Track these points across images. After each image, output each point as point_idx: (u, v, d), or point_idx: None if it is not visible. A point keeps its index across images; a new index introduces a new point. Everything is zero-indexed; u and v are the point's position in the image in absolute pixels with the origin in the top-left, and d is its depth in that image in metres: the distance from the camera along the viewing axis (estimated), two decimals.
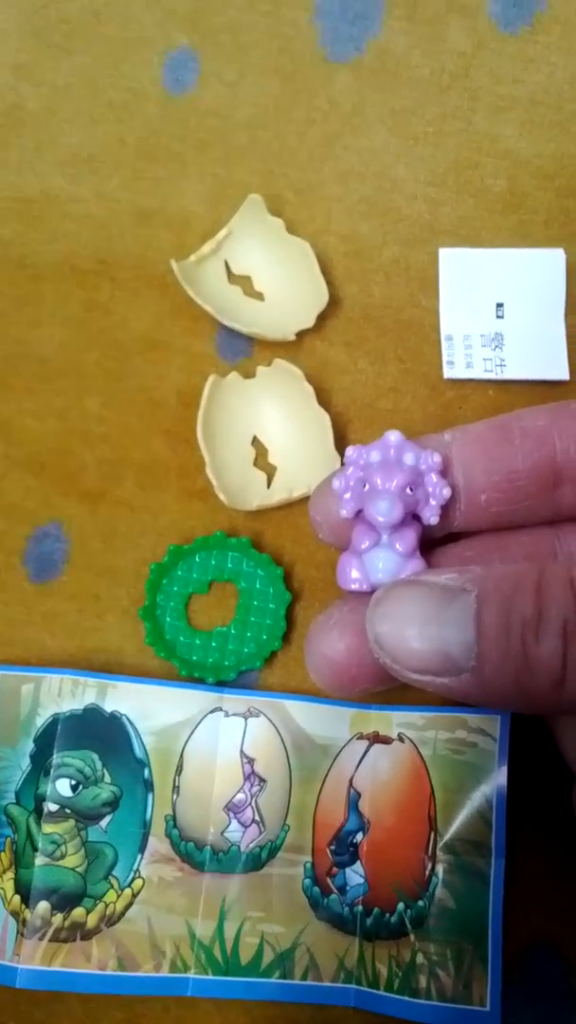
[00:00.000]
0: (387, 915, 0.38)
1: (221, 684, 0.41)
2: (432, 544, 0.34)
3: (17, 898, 0.38)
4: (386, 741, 0.40)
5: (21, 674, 0.40)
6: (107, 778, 0.39)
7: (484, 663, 0.27)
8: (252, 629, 0.42)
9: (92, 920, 0.38)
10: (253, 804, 0.39)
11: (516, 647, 0.27)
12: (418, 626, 0.28)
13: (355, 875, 0.39)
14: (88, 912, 0.38)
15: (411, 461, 0.32)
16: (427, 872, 0.38)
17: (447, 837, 0.38)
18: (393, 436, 0.32)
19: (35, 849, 0.38)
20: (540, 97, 0.45)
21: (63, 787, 0.39)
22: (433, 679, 0.28)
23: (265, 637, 0.41)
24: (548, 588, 0.27)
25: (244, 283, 0.45)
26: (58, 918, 0.38)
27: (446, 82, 0.45)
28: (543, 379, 0.43)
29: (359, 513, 0.32)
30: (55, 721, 0.39)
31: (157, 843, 0.39)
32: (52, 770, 0.39)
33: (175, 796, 0.39)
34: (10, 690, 0.40)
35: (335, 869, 0.39)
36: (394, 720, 0.40)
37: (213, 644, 0.42)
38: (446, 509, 0.33)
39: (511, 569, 0.28)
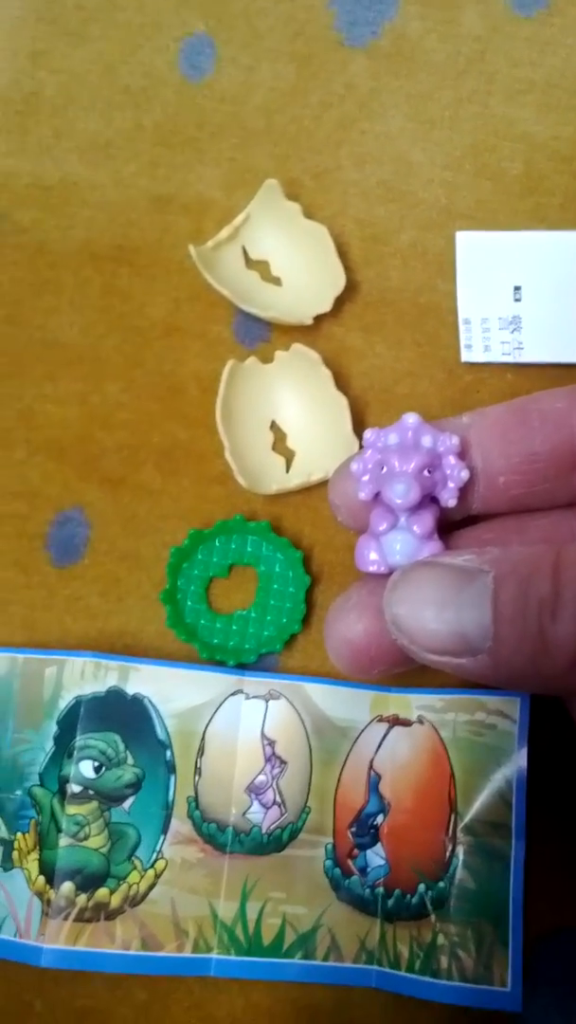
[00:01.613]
0: (408, 896, 0.38)
1: (241, 667, 0.41)
2: (451, 527, 0.34)
3: (42, 879, 0.38)
4: (406, 723, 0.40)
5: (44, 657, 0.41)
6: (130, 760, 0.39)
7: (501, 644, 0.27)
8: (272, 612, 0.42)
9: (115, 900, 0.38)
10: (274, 786, 0.40)
11: (533, 628, 0.27)
12: (435, 608, 0.28)
13: (376, 857, 0.39)
14: (112, 893, 0.38)
15: (429, 443, 0.32)
16: (447, 854, 0.38)
17: (467, 819, 0.38)
18: (411, 418, 0.33)
19: (59, 830, 0.38)
20: (557, 80, 0.45)
21: (86, 769, 0.39)
22: (450, 660, 0.28)
23: (285, 620, 0.42)
24: (565, 569, 0.27)
25: (261, 268, 0.45)
26: (82, 898, 0.38)
27: (462, 66, 0.45)
28: (561, 362, 0.43)
29: (377, 496, 0.32)
30: (78, 703, 0.40)
31: (179, 824, 0.39)
32: (75, 752, 0.39)
33: (197, 778, 0.39)
34: (33, 673, 0.40)
35: (356, 851, 0.39)
36: (413, 703, 0.40)
37: (233, 627, 0.42)
38: (464, 492, 0.33)
39: (528, 550, 0.28)
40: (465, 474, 0.32)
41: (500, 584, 0.28)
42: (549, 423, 0.33)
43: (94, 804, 0.39)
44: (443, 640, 0.28)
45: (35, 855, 0.39)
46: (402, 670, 0.34)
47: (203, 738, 0.40)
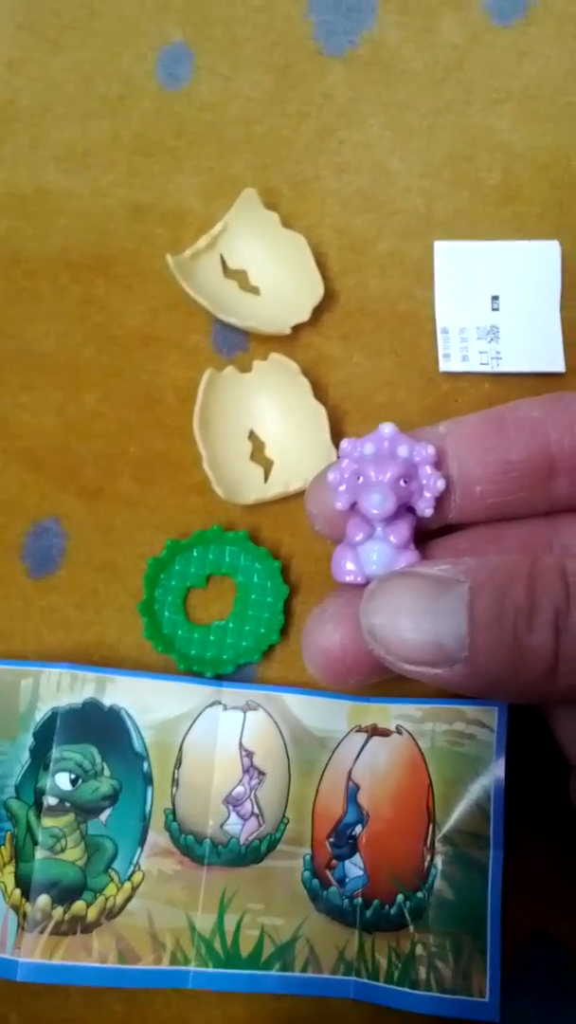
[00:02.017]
0: (386, 907, 0.38)
1: (219, 678, 0.41)
2: (428, 536, 0.34)
3: (17, 892, 0.38)
4: (384, 733, 0.40)
5: (20, 668, 0.40)
6: (106, 772, 0.39)
7: (477, 653, 0.27)
8: (250, 623, 0.42)
9: (92, 913, 0.38)
10: (252, 797, 0.39)
11: (508, 637, 0.27)
12: (411, 617, 0.28)
13: (354, 867, 0.39)
14: (88, 905, 0.38)
15: (405, 453, 0.32)
16: (426, 864, 0.38)
17: (446, 829, 0.38)
18: (387, 428, 0.33)
19: (35, 843, 0.38)
20: (534, 90, 0.45)
21: (62, 781, 0.39)
22: (427, 670, 0.28)
23: (263, 631, 0.42)
24: (540, 578, 0.27)
25: (240, 277, 0.45)
26: (58, 911, 0.38)
27: (440, 75, 0.45)
28: (539, 371, 0.43)
29: (354, 506, 0.32)
30: (54, 715, 0.39)
31: (157, 836, 0.39)
32: (51, 764, 0.39)
33: (174, 789, 0.39)
34: (9, 685, 0.40)
35: (334, 861, 0.39)
36: (392, 712, 0.40)
37: (211, 638, 0.42)
38: (441, 501, 0.33)
39: (504, 560, 0.28)
40: (441, 484, 0.32)
41: (476, 593, 0.28)
42: (525, 432, 0.33)
43: (70, 816, 0.38)
44: (420, 650, 0.28)
45: (11, 868, 0.38)
46: (379, 680, 0.34)
47: (181, 749, 0.40)
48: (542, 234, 0.44)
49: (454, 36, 0.45)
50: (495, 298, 0.43)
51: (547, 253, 0.43)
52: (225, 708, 0.40)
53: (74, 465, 0.43)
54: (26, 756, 0.39)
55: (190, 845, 0.39)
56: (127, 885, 0.38)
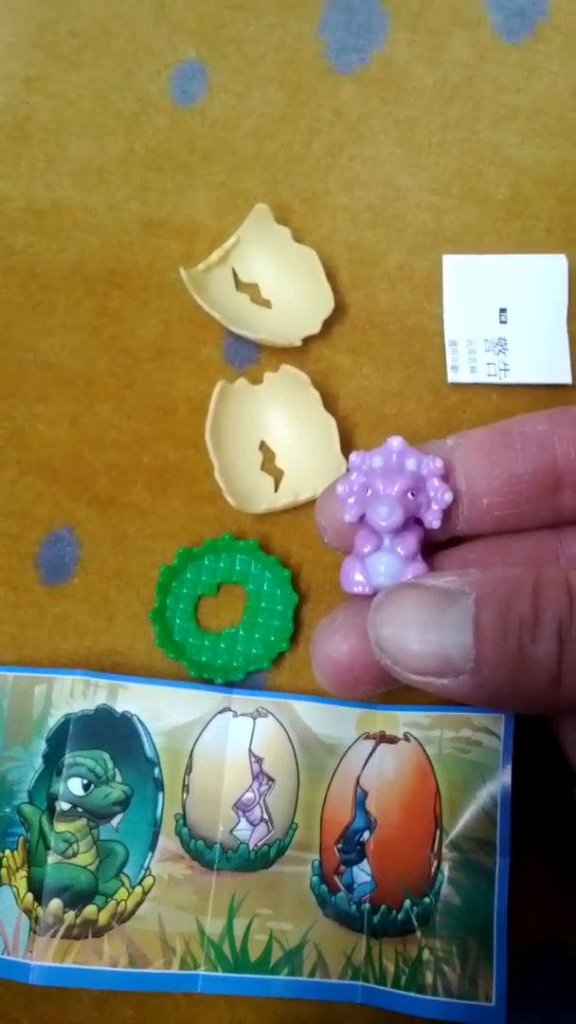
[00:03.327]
0: (394, 912, 0.38)
1: (230, 685, 0.42)
2: (436, 547, 0.35)
3: (30, 896, 0.38)
4: (392, 741, 0.40)
5: (34, 675, 0.41)
6: (118, 777, 0.40)
7: (482, 664, 0.28)
8: (260, 630, 0.42)
9: (103, 917, 0.38)
10: (261, 803, 0.40)
11: (513, 648, 0.27)
12: (417, 629, 0.29)
13: (362, 873, 0.39)
14: (100, 910, 0.38)
15: (413, 466, 0.33)
16: (433, 870, 0.38)
17: (453, 835, 0.38)
18: (395, 442, 0.33)
19: (48, 847, 0.39)
20: (542, 106, 0.45)
21: (75, 786, 0.39)
22: (433, 680, 0.29)
23: (273, 638, 0.42)
24: (545, 590, 0.28)
25: (251, 291, 0.46)
26: (70, 915, 0.38)
27: (449, 92, 0.46)
28: (546, 383, 0.43)
29: (363, 518, 0.33)
30: (67, 721, 0.40)
31: (167, 841, 0.39)
32: (64, 769, 0.39)
33: (185, 795, 0.40)
34: (23, 691, 0.41)
35: (342, 867, 0.39)
36: (400, 720, 0.40)
37: (222, 645, 0.42)
38: (448, 513, 0.33)
39: (509, 572, 0.29)
40: (448, 496, 0.32)
41: (481, 605, 0.28)
42: (531, 445, 0.33)
43: (83, 821, 0.39)
44: (425, 661, 0.29)
45: (23, 872, 0.39)
46: (386, 689, 0.35)
47: (191, 756, 0.40)
48: (550, 248, 0.45)
49: (463, 54, 0.46)
50: (503, 311, 0.44)
51: (554, 267, 0.44)
52: (235, 715, 0.41)
53: (88, 475, 0.44)
54: (39, 762, 0.40)
55: (200, 850, 0.39)
56: (138, 890, 0.39)
